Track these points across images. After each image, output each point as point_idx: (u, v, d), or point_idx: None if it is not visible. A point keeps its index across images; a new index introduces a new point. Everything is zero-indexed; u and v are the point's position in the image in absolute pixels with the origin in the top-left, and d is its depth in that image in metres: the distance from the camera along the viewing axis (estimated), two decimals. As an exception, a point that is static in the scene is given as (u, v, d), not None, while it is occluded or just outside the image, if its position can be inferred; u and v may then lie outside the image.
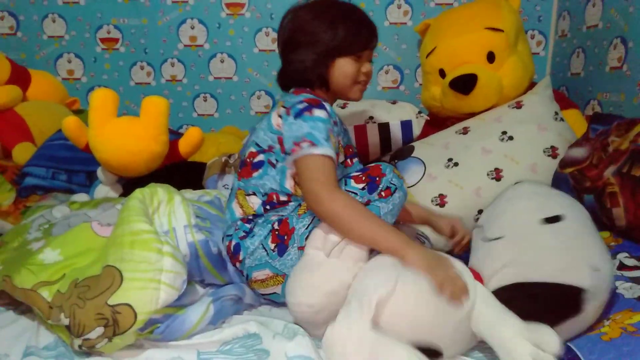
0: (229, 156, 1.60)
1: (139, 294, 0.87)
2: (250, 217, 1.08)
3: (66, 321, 0.87)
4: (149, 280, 0.89)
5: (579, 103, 1.79)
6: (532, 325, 0.77)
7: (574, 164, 1.30)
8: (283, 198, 1.07)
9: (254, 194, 1.10)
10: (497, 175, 1.38)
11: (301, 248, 0.99)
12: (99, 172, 1.55)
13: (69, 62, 2.24)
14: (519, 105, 1.52)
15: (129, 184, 1.54)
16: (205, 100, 2.27)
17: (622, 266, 1.04)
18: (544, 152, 1.40)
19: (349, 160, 1.15)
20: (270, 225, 1.03)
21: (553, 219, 0.90)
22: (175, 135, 1.76)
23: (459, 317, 0.79)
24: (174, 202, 1.08)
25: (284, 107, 1.07)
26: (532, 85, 1.64)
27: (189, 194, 1.29)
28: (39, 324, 0.98)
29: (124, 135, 1.45)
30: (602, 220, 1.20)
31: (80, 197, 1.52)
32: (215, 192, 1.32)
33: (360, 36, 1.11)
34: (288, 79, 1.16)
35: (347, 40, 1.09)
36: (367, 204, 0.95)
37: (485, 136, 1.45)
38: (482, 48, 1.59)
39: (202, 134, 1.62)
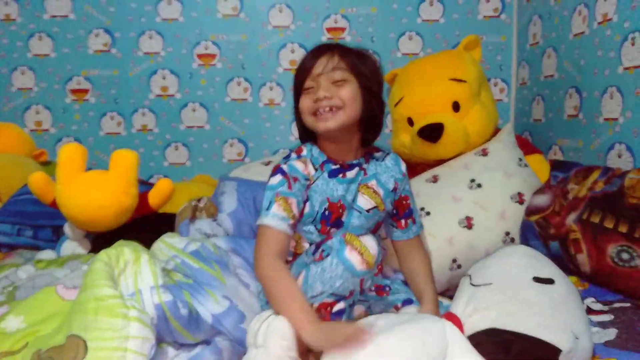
0: (199, 200, 1.59)
1: (105, 364, 0.84)
2: None
3: (28, 395, 0.84)
4: (115, 348, 0.86)
5: (542, 148, 1.86)
6: None
7: (538, 211, 1.34)
8: (289, 258, 1.11)
9: None
10: (468, 223, 1.40)
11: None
12: (66, 228, 1.51)
13: (37, 113, 2.23)
14: (484, 153, 1.57)
15: (97, 238, 1.51)
16: (177, 149, 2.27)
17: (589, 310, 1.06)
18: (511, 198, 1.44)
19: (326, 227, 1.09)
20: None
21: (544, 280, 0.91)
22: (145, 185, 1.74)
23: None
24: (140, 262, 1.06)
25: None
26: (497, 131, 1.70)
27: (175, 238, 1.26)
28: (0, 397, 0.94)
29: (92, 189, 1.43)
30: (568, 266, 1.23)
31: (47, 254, 1.48)
32: (202, 239, 1.28)
33: (299, 68, 1.09)
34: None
35: (296, 78, 1.09)
36: (317, 259, 0.96)
37: (454, 184, 1.49)
38: (447, 98, 1.65)
39: (172, 185, 1.61)
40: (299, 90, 1.09)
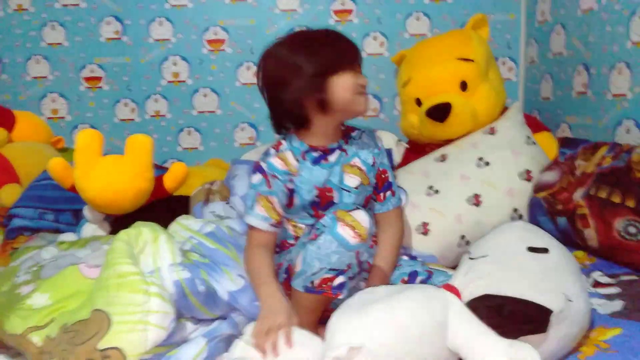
0: (212, 183, 1.63)
1: (128, 337, 0.88)
2: None
3: (57, 367, 0.89)
4: (137, 322, 0.90)
5: (551, 126, 1.87)
6: (512, 342, 0.78)
7: (546, 188, 1.36)
8: (291, 242, 1.18)
9: None
10: (476, 200, 1.42)
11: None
12: (86, 211, 1.56)
13: (53, 101, 2.28)
14: (492, 131, 1.58)
15: (116, 221, 1.56)
16: (190, 134, 2.31)
17: (596, 284, 1.09)
18: (519, 176, 1.45)
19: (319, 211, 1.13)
20: None
21: (539, 250, 0.93)
22: (160, 170, 1.78)
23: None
24: (159, 241, 1.10)
25: None
26: (504, 110, 1.71)
27: (191, 220, 1.30)
28: (30, 369, 0.99)
29: (109, 174, 1.47)
30: (576, 241, 1.25)
31: (68, 236, 1.52)
32: (217, 221, 1.31)
33: (347, 50, 1.10)
34: (282, 119, 1.15)
35: (339, 55, 1.08)
36: (312, 238, 1.00)
37: (462, 163, 1.50)
38: (455, 78, 1.65)
39: (187, 168, 1.65)
40: (332, 70, 1.06)
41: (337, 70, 1.07)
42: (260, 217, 1.10)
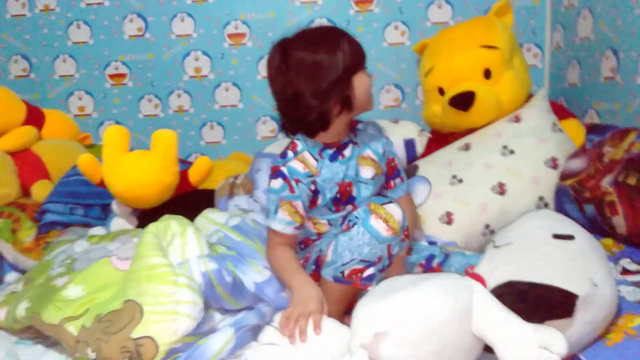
0: (236, 177, 1.65)
1: (159, 326, 0.91)
2: None
3: (93, 355, 0.92)
4: (168, 312, 0.93)
5: (577, 112, 1.83)
6: (537, 326, 0.78)
7: (572, 175, 1.34)
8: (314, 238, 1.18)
9: None
10: (501, 189, 1.41)
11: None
12: (114, 205, 1.61)
13: (80, 99, 2.33)
14: (517, 119, 1.56)
15: (143, 215, 1.60)
16: (212, 129, 2.34)
17: (624, 271, 1.07)
18: (545, 163, 1.43)
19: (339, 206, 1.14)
20: None
21: (564, 237, 0.92)
22: (184, 164, 1.82)
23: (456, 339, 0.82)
24: (186, 234, 1.12)
25: None
26: (529, 97, 1.68)
27: (216, 214, 1.33)
28: (67, 357, 1.03)
29: (136, 169, 1.51)
30: (604, 228, 1.23)
31: (98, 230, 1.56)
32: (242, 215, 1.33)
33: (359, 50, 1.09)
34: (300, 124, 1.12)
35: (355, 55, 1.07)
36: (345, 229, 1.00)
37: (487, 151, 1.49)
38: (478, 66, 1.63)
39: (211, 162, 1.68)
40: (354, 69, 1.07)
41: (358, 68, 1.08)
42: (285, 222, 1.10)
